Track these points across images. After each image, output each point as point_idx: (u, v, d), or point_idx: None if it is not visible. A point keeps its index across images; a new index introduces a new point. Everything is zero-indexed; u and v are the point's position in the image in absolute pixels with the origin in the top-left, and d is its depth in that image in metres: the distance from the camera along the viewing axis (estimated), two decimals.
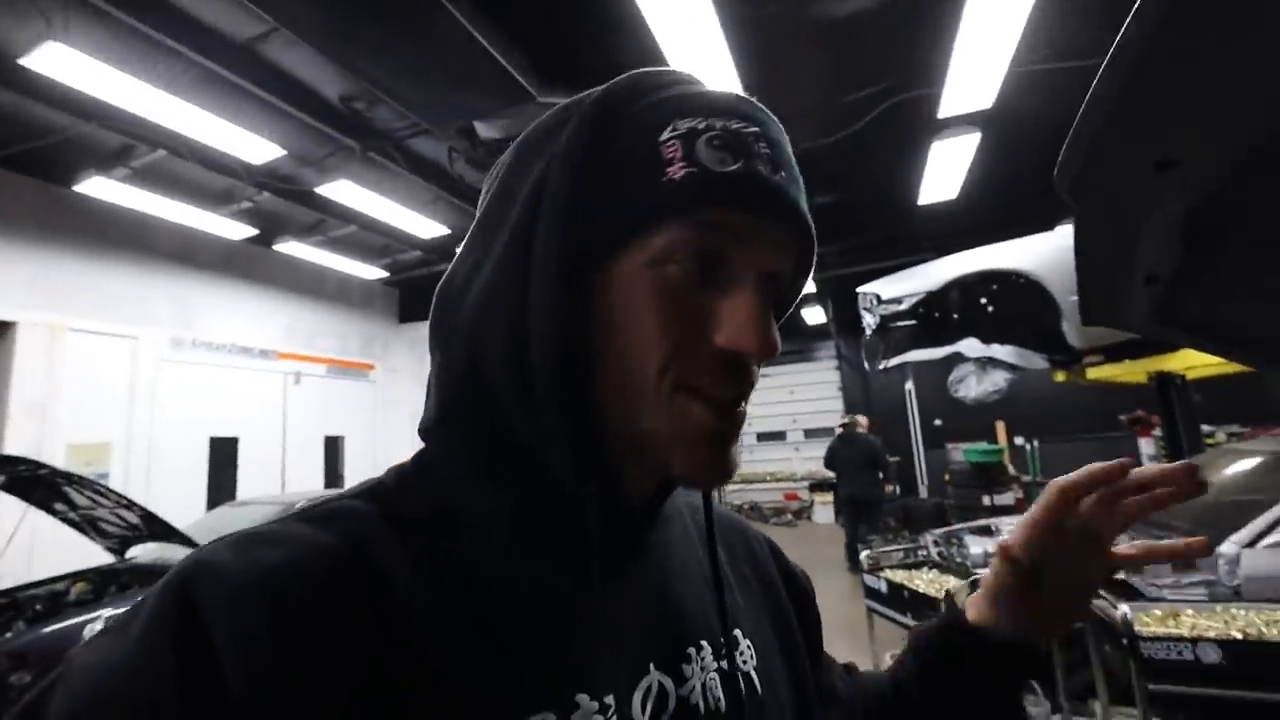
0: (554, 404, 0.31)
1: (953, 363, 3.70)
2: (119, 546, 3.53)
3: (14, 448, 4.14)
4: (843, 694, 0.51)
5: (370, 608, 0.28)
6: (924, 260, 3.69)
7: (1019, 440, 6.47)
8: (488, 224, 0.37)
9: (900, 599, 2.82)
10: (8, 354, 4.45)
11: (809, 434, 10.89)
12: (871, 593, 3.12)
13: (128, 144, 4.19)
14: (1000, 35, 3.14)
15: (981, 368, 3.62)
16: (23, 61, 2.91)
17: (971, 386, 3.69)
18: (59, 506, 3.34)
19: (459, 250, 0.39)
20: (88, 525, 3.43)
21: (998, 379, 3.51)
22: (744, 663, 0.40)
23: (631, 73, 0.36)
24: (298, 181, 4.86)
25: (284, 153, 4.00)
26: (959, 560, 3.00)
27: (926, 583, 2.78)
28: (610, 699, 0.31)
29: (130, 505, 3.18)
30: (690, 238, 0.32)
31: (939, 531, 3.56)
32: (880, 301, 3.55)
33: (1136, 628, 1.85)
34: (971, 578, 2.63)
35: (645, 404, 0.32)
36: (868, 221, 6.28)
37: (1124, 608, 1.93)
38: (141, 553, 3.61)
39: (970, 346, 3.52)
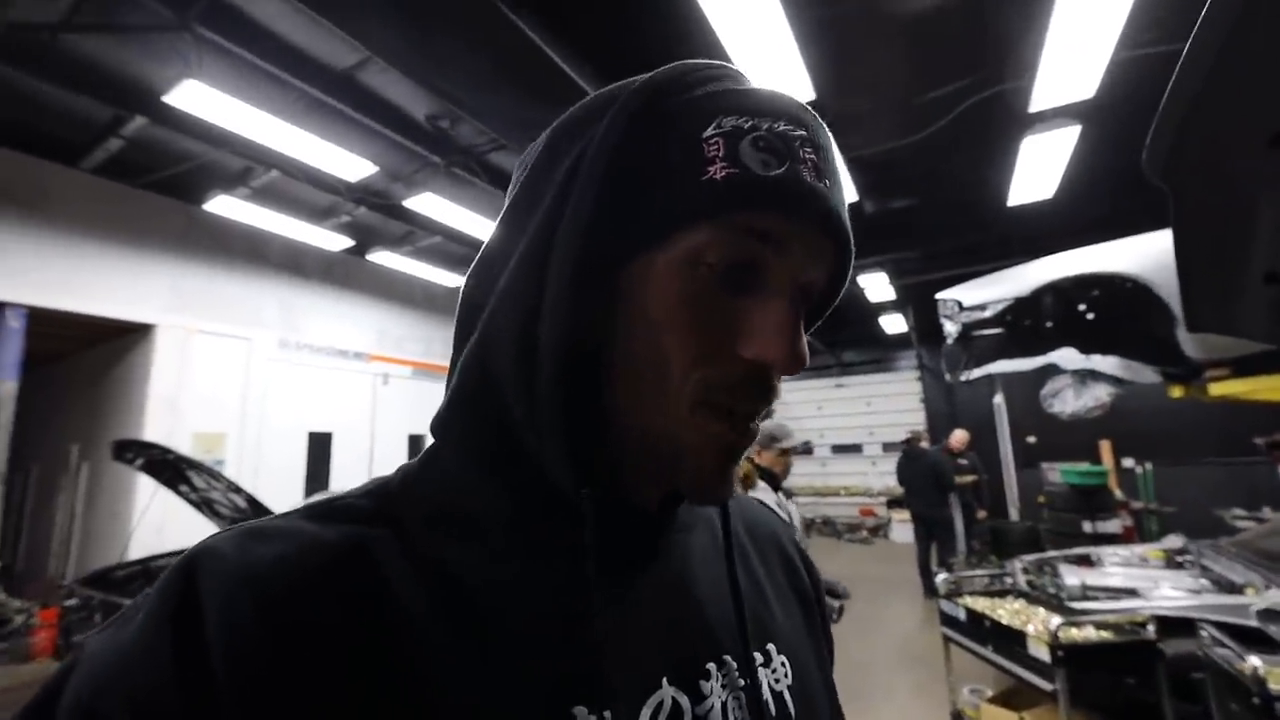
0: (554, 399, 0.31)
1: (1046, 375, 3.41)
2: (230, 527, 3.93)
3: (150, 435, 4.72)
4: None
5: (361, 608, 0.28)
6: (1014, 264, 3.41)
7: (1128, 462, 5.83)
8: (515, 213, 0.36)
9: (980, 629, 2.62)
10: (149, 353, 5.09)
11: (887, 447, 10.37)
12: (948, 620, 2.92)
13: (248, 166, 4.70)
14: (1103, 17, 2.87)
15: (1080, 380, 3.31)
16: (166, 99, 3.34)
17: (1068, 401, 3.37)
18: (182, 488, 3.76)
19: (486, 241, 0.38)
20: (204, 506, 3.84)
21: (1099, 393, 3.19)
22: (775, 682, 0.38)
23: (677, 64, 0.34)
24: (389, 196, 5.25)
25: (377, 169, 4.34)
26: (1051, 591, 2.74)
27: (1011, 613, 2.56)
28: (609, 714, 0.29)
29: (239, 490, 3.54)
30: (726, 240, 0.30)
31: (1030, 558, 3.28)
32: (962, 308, 3.32)
33: (1271, 685, 1.61)
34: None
35: (664, 409, 0.31)
36: (952, 225, 5.92)
37: (1255, 660, 1.69)
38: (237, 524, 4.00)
39: (1067, 357, 3.22)
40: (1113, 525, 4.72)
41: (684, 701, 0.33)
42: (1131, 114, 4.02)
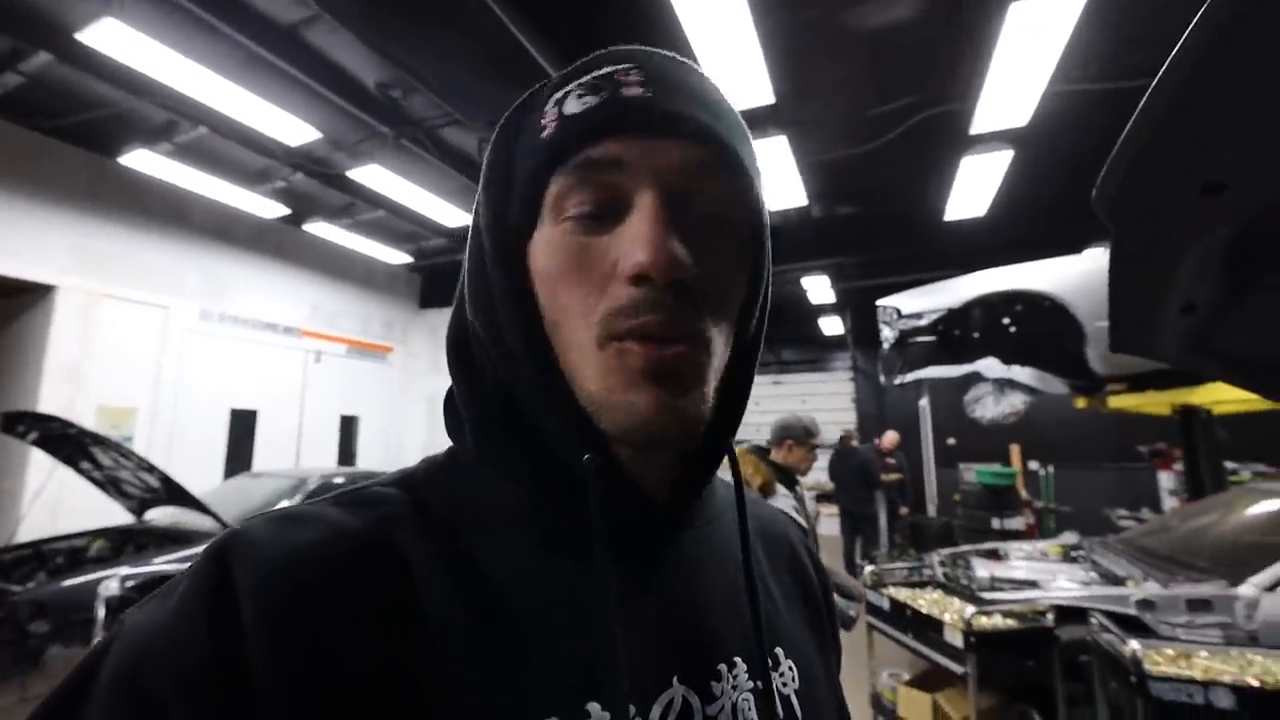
0: (539, 382, 0.33)
1: (970, 382, 3.66)
2: (138, 508, 3.63)
3: (48, 407, 4.28)
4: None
5: (387, 597, 0.28)
6: (948, 276, 3.64)
7: (1033, 465, 6.36)
8: (475, 215, 0.38)
9: (902, 618, 2.80)
10: (46, 317, 4.60)
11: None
12: (873, 609, 3.10)
13: (173, 120, 4.31)
14: (1040, 53, 3.10)
15: (999, 389, 3.59)
16: (79, 36, 3.01)
17: (988, 407, 3.65)
18: (85, 465, 3.45)
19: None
20: (110, 485, 3.54)
21: (1015, 401, 3.47)
22: (783, 685, 0.38)
23: (585, 59, 0.35)
24: (331, 165, 4.96)
25: (320, 136, 4.09)
26: (964, 583, 2.96)
27: (930, 603, 2.75)
28: (626, 710, 0.29)
29: (151, 469, 3.28)
30: (572, 182, 0.32)
31: (946, 552, 3.51)
32: (900, 316, 3.52)
33: (1146, 666, 1.81)
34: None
35: (587, 366, 0.31)
36: (893, 235, 6.22)
37: (1134, 644, 1.89)
38: (159, 515, 3.72)
39: (989, 367, 3.48)
40: (1017, 522, 5.14)
41: (694, 701, 0.32)
42: (1059, 144, 4.36)
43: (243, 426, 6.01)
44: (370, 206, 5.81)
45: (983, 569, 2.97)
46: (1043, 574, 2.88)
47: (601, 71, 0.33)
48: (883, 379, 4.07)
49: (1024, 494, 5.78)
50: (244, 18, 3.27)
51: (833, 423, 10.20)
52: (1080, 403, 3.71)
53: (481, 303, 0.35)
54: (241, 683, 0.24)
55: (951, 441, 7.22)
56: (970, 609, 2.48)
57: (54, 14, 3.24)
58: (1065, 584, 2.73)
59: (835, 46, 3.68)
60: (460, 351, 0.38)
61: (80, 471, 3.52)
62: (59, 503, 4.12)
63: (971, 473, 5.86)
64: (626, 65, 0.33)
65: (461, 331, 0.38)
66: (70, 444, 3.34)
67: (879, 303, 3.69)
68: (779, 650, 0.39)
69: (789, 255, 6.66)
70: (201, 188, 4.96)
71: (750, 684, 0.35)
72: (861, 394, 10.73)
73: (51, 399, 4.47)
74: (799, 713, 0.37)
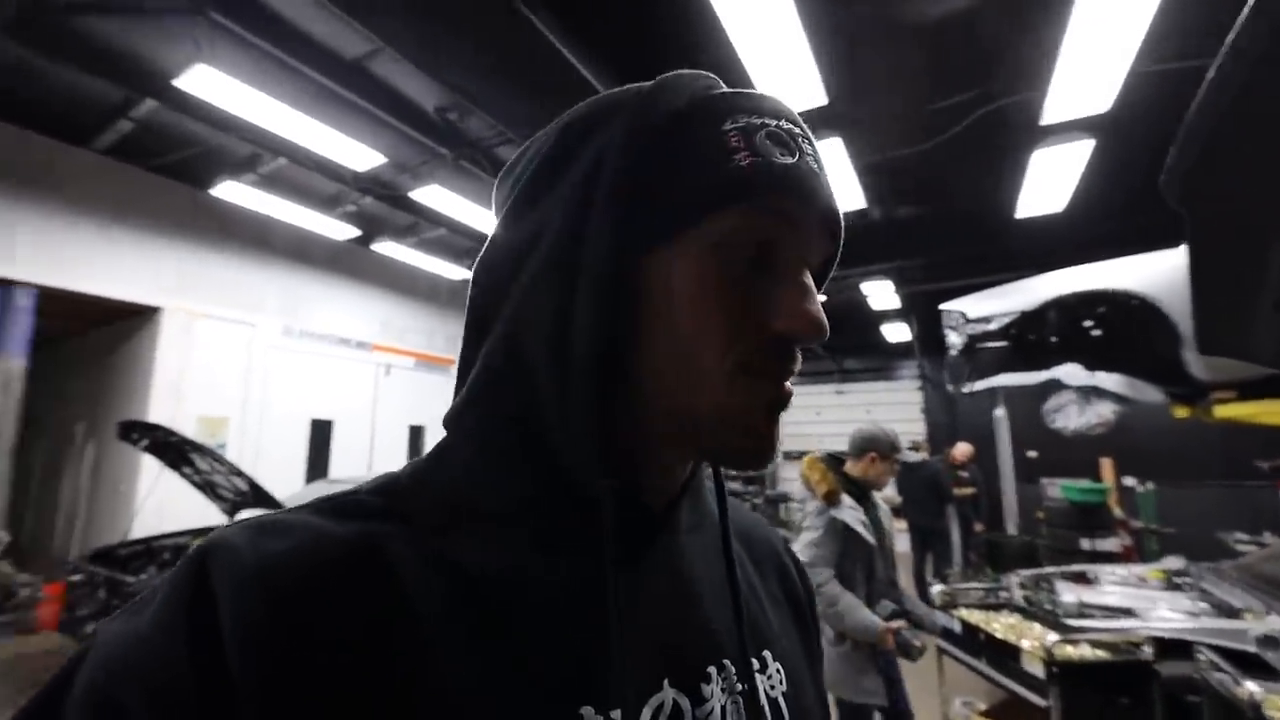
0: (588, 396, 0.32)
1: (1049, 390, 3.39)
2: (230, 510, 3.94)
3: (155, 417, 4.72)
4: None
5: (371, 605, 0.28)
6: (1021, 277, 3.38)
7: (1129, 481, 5.79)
8: (527, 209, 0.37)
9: (974, 642, 2.61)
10: (154, 335, 5.11)
11: None
12: (943, 632, 2.91)
13: (256, 152, 4.70)
14: (1122, 30, 2.85)
15: (1084, 397, 3.30)
16: (176, 82, 3.34)
17: (1071, 417, 3.37)
18: (186, 470, 3.78)
19: (494, 235, 0.39)
20: (207, 488, 3.85)
21: (1102, 410, 3.18)
22: (771, 688, 0.38)
23: (672, 73, 0.37)
24: (395, 187, 5.24)
25: (384, 160, 4.33)
26: (1047, 607, 2.73)
27: (1006, 628, 2.54)
28: (617, 714, 0.29)
29: (240, 474, 3.55)
30: (753, 223, 0.33)
31: (1027, 573, 3.26)
32: (967, 320, 3.30)
33: (1267, 711, 1.59)
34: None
35: (700, 387, 0.33)
36: (959, 235, 5.89)
37: (1252, 686, 1.67)
38: (248, 516, 4.02)
39: (1071, 373, 3.20)
40: (1111, 544, 4.69)
41: (684, 703, 0.33)
42: (1148, 129, 3.99)
43: (321, 435, 6.41)
44: (432, 225, 6.10)
45: (1069, 593, 2.73)
46: (1140, 602, 2.61)
47: (784, 124, 0.35)
48: (950, 387, 3.83)
49: (1118, 513, 5.28)
50: (314, 54, 3.53)
51: (900, 434, 9.72)
52: (1180, 412, 3.34)
53: (551, 296, 0.33)
54: (220, 693, 0.24)
55: (1032, 454, 6.70)
56: (1052, 636, 2.27)
57: (155, 63, 3.62)
58: (1168, 614, 2.47)
59: (889, 40, 3.54)
60: (480, 341, 0.37)
61: (182, 475, 3.86)
62: (165, 504, 4.53)
63: (1056, 488, 5.42)
64: (796, 129, 0.35)
65: (485, 322, 0.37)
66: (173, 450, 3.67)
67: (943, 307, 3.48)
68: (767, 653, 0.40)
69: (848, 260, 6.43)
70: (281, 214, 5.37)
71: (739, 687, 0.36)
72: (931, 403, 10.21)
73: (159, 409, 4.94)
74: (786, 716, 0.38)
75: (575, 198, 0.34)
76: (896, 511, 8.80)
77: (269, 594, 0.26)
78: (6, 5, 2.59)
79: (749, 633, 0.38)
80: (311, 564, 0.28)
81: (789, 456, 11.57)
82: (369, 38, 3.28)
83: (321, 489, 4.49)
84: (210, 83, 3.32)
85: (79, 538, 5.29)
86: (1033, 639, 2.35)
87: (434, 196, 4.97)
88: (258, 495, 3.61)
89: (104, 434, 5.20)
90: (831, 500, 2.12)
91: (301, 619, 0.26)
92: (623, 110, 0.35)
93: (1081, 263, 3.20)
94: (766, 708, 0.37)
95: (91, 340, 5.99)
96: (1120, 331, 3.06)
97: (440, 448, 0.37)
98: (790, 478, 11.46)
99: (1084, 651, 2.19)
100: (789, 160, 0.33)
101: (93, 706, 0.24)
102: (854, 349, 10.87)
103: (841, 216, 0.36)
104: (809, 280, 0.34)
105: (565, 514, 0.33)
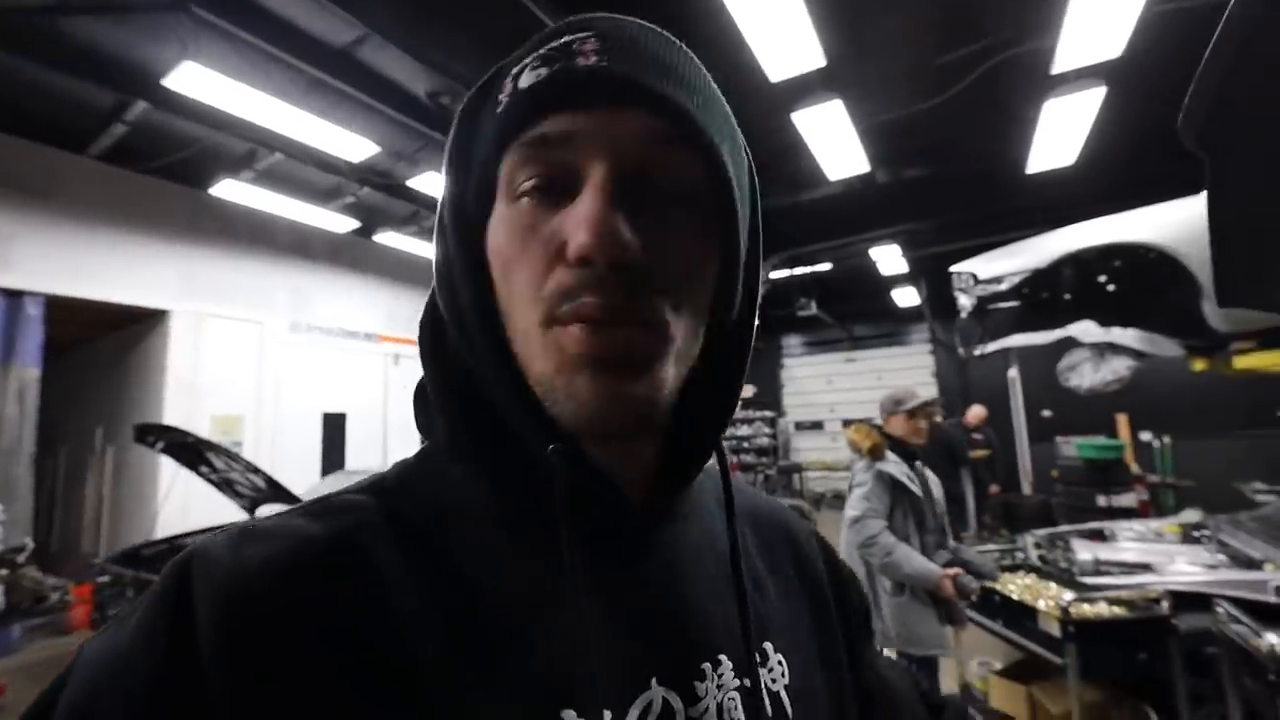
0: (497, 369, 0.32)
1: (1063, 349, 3.33)
2: (250, 506, 4.01)
3: (171, 418, 4.80)
4: (886, 685, 0.46)
5: (353, 606, 0.27)
6: (1034, 235, 3.30)
7: (1145, 436, 5.73)
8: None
9: (990, 603, 2.62)
10: (164, 339, 5.16)
11: None
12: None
13: (252, 149, 4.67)
14: None
15: (1099, 354, 3.23)
16: (165, 82, 3.31)
17: (1086, 375, 3.31)
18: (203, 469, 3.84)
19: None
20: (225, 486, 3.92)
21: (1118, 367, 3.12)
22: (772, 681, 0.36)
23: (545, 30, 0.34)
24: (392, 176, 5.20)
25: (379, 149, 4.29)
26: (1063, 566, 2.73)
27: (1022, 588, 2.55)
28: (608, 715, 0.28)
29: (257, 471, 3.60)
30: (523, 158, 0.31)
31: (1042, 533, 3.26)
32: (977, 281, 3.24)
33: None
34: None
35: (532, 350, 0.30)
36: (968, 195, 5.76)
37: (1272, 637, 1.66)
38: (267, 512, 4.10)
39: (1085, 331, 3.14)
40: (1128, 499, 4.67)
41: (675, 702, 0.31)
42: (1163, 73, 3.84)
43: (334, 429, 6.48)
44: (431, 213, 6.05)
45: (1085, 551, 2.72)
46: (1158, 556, 2.60)
47: (559, 42, 0.31)
48: (961, 351, 3.77)
49: (1135, 468, 5.24)
50: (300, 44, 3.46)
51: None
52: (1198, 365, 3.28)
53: (445, 285, 0.35)
54: (200, 708, 0.24)
55: (1046, 414, 6.65)
56: (1068, 595, 2.28)
57: (143, 63, 3.57)
58: (1186, 568, 2.46)
59: None
60: (434, 339, 0.37)
61: (200, 475, 3.92)
62: (187, 504, 4.63)
63: (1070, 446, 5.38)
64: (585, 34, 0.31)
65: (435, 317, 0.37)
66: (190, 451, 3.73)
67: (953, 269, 3.41)
68: (768, 645, 0.38)
69: (855, 226, 6.33)
70: (281, 210, 5.36)
71: (737, 682, 0.34)
72: (943, 367, 10.13)
73: (174, 411, 5.01)
74: (789, 709, 0.36)
75: (445, 177, 0.36)
76: None
77: (246, 601, 0.26)
78: None
79: (754, 624, 0.36)
80: (292, 568, 0.27)
81: (801, 427, 11.59)
82: (353, 24, 3.21)
83: (338, 480, 4.55)
84: (199, 80, 3.28)
85: (105, 539, 5.43)
86: (1049, 598, 2.36)
87: (431, 183, 4.92)
88: (275, 491, 3.67)
89: (122, 437, 5.29)
90: (876, 454, 2.20)
91: (280, 625, 0.26)
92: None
93: (1095, 216, 3.11)
94: (768, 702, 0.35)
95: (106, 344, 6.06)
96: (1137, 285, 2.99)
97: (424, 448, 0.38)
98: (802, 447, 11.49)
99: (1100, 609, 2.19)
100: (541, 74, 0.30)
101: None
102: (863, 315, 10.77)
103: (660, 88, 0.30)
104: (600, 189, 0.29)
105: (540, 509, 0.31)
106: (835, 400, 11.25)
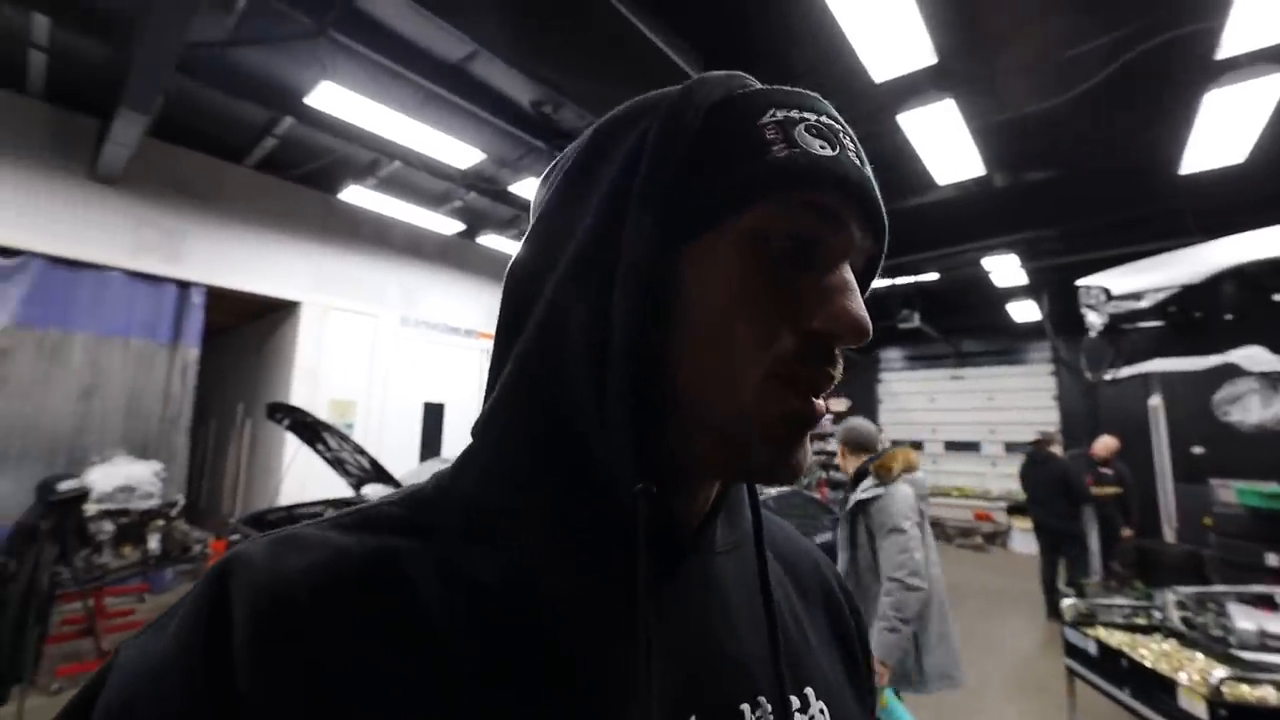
0: (628, 378, 0.30)
1: (1221, 377, 2.86)
2: (356, 484, 4.38)
3: (296, 400, 5.38)
4: None
5: (389, 620, 0.28)
6: (1183, 245, 2.86)
7: None
8: (560, 212, 0.36)
9: (1115, 668, 2.29)
10: (294, 327, 5.79)
11: (1010, 447, 9.39)
12: (1074, 651, 2.59)
13: (375, 158, 5.13)
14: None
15: (1270, 385, 2.74)
16: (307, 100, 3.71)
17: (1253, 409, 2.82)
18: (319, 447, 4.25)
19: (527, 237, 0.38)
20: (336, 464, 4.31)
21: None
22: None
23: (702, 74, 0.36)
24: (497, 181, 5.49)
25: (485, 156, 4.54)
26: (1216, 634, 2.32)
27: (1158, 655, 2.20)
28: None
29: (363, 453, 3.93)
30: (789, 216, 0.31)
31: (1189, 590, 2.80)
32: (1110, 297, 2.86)
33: None
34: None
35: (733, 386, 0.31)
36: (1104, 199, 5.11)
37: None
38: (371, 491, 4.46)
39: (1252, 357, 2.68)
40: None
41: None
42: None
43: (433, 418, 6.94)
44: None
45: (1246, 620, 2.30)
46: None
47: (823, 119, 0.33)
48: (1089, 374, 3.35)
49: None
50: (419, 61, 3.76)
51: (1028, 424, 8.77)
52: None
53: (586, 291, 0.32)
54: (233, 713, 0.24)
55: (1198, 450, 5.74)
56: (1220, 670, 1.94)
57: (290, 84, 4.03)
58: None
59: None
60: (512, 343, 0.36)
61: (316, 452, 4.34)
62: (307, 477, 5.15)
63: (1230, 491, 4.60)
64: (840, 126, 0.34)
65: (518, 322, 0.36)
66: (309, 430, 4.14)
67: (1080, 283, 3.03)
68: (809, 691, 0.37)
69: (966, 234, 5.85)
70: (397, 213, 5.84)
71: None
72: (1065, 391, 9.09)
73: (299, 393, 5.61)
74: None
75: (610, 194, 0.33)
76: (1018, 509, 7.99)
77: (283, 611, 0.26)
78: (175, 47, 3.00)
79: (787, 668, 0.35)
80: (326, 581, 0.28)
81: (898, 445, 10.83)
82: (465, 41, 3.43)
83: (434, 465, 4.86)
84: (335, 97, 3.65)
85: (240, 502, 6.17)
86: (1194, 671, 2.02)
87: (532, 188, 5.12)
88: (379, 473, 3.98)
89: (257, 414, 6.01)
90: (910, 469, 2.48)
91: (315, 636, 0.26)
92: (656, 111, 0.34)
93: (1267, 225, 2.64)
94: None
95: (250, 331, 6.91)
96: None
97: (464, 458, 0.37)
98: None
99: (1266, 693, 1.84)
100: (828, 152, 0.32)
101: None
102: (972, 330, 9.91)
103: (885, 215, 0.34)
104: (850, 277, 0.32)
105: (596, 527, 0.32)
106: (938, 420, 10.42)
